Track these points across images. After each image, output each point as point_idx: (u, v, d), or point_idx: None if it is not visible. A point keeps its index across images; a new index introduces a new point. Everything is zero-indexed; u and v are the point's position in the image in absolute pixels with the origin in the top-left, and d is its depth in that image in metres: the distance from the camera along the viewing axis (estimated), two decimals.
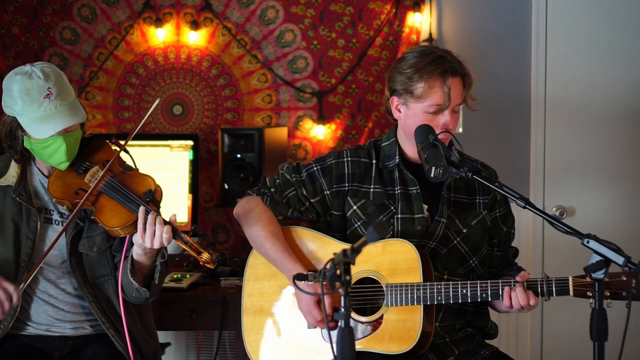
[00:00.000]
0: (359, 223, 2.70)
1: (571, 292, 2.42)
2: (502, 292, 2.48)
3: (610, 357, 2.22)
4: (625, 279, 2.33)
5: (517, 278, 2.47)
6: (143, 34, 4.25)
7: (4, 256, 2.73)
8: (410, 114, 2.61)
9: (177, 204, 3.79)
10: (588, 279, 2.39)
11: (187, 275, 3.58)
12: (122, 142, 2.74)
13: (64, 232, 2.73)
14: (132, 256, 2.66)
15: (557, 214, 4.06)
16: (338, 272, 1.92)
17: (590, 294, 2.37)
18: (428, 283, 2.52)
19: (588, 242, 2.22)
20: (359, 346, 2.54)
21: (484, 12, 4.15)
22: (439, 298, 2.50)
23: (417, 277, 2.53)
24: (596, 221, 4.02)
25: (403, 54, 2.69)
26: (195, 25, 4.22)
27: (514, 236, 2.80)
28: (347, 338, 1.92)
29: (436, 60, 2.56)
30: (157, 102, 2.78)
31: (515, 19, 4.12)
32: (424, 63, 2.56)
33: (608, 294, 2.33)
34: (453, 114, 2.59)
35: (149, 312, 2.94)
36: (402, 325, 2.53)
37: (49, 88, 2.60)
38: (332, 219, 2.74)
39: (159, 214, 2.61)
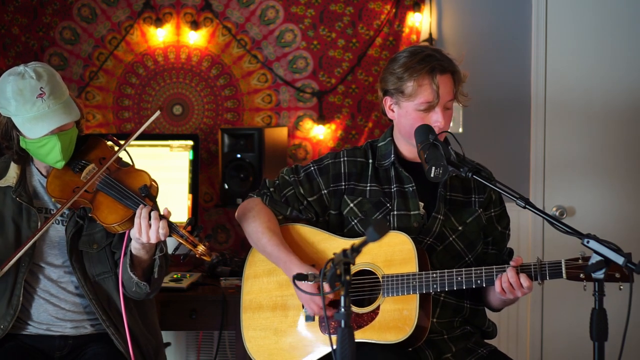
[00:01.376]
0: (355, 221, 2.72)
1: (564, 275, 2.44)
2: (496, 278, 2.50)
3: (610, 357, 2.22)
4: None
5: (511, 263, 2.51)
6: (143, 34, 4.25)
7: (5, 257, 2.73)
8: (403, 112, 2.65)
9: (177, 204, 3.79)
10: (581, 262, 2.41)
11: (187, 275, 3.58)
12: (122, 142, 2.75)
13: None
14: (131, 251, 2.67)
15: (557, 214, 4.06)
16: (338, 272, 1.93)
17: (583, 276, 2.40)
18: (423, 272, 2.55)
19: (588, 242, 2.22)
20: (356, 337, 2.55)
21: (484, 12, 4.15)
22: (434, 286, 2.54)
23: (413, 267, 2.56)
24: (596, 221, 4.03)
25: (394, 54, 2.72)
26: (195, 25, 4.22)
27: (509, 237, 2.82)
28: (347, 338, 1.92)
29: (425, 59, 2.60)
30: (157, 113, 2.76)
31: (515, 19, 4.12)
32: (413, 62, 2.60)
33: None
34: (445, 110, 2.62)
35: (153, 310, 2.95)
36: (398, 314, 2.55)
37: (42, 88, 2.61)
38: (330, 218, 2.77)
39: (155, 208, 2.62)
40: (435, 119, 2.60)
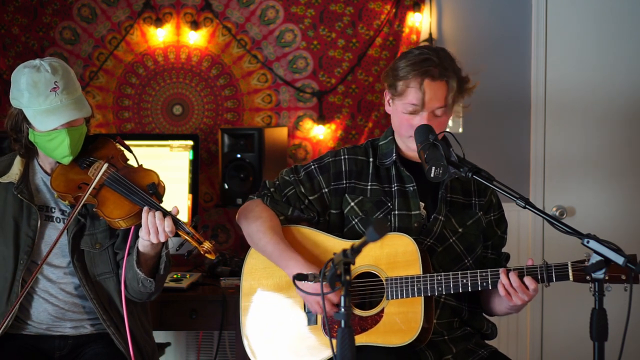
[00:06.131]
0: (356, 220, 2.71)
1: (571, 277, 2.43)
2: (499, 282, 2.48)
3: (610, 357, 2.22)
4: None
5: (528, 262, 2.48)
6: (143, 34, 4.25)
7: (3, 253, 2.73)
8: (393, 110, 2.67)
9: (177, 204, 3.75)
10: (587, 264, 2.39)
11: (187, 275, 3.58)
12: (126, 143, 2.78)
13: (66, 230, 2.74)
14: (137, 248, 2.67)
15: (557, 214, 4.06)
16: (338, 272, 1.93)
17: (589, 278, 2.38)
18: (428, 275, 2.54)
19: (588, 242, 2.22)
20: (361, 340, 2.55)
21: (484, 13, 4.15)
22: (440, 289, 2.52)
23: (416, 269, 2.55)
24: (596, 221, 4.03)
25: (408, 49, 2.70)
26: (195, 25, 4.22)
27: (506, 241, 2.82)
28: (347, 338, 1.92)
29: (421, 62, 2.57)
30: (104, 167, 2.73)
31: (515, 19, 4.12)
32: (410, 62, 2.59)
33: (607, 278, 2.32)
34: (434, 117, 2.59)
35: (147, 313, 2.94)
36: (403, 317, 2.54)
37: (56, 82, 2.64)
38: (331, 218, 2.76)
39: (160, 208, 2.63)
40: (419, 124, 2.58)
